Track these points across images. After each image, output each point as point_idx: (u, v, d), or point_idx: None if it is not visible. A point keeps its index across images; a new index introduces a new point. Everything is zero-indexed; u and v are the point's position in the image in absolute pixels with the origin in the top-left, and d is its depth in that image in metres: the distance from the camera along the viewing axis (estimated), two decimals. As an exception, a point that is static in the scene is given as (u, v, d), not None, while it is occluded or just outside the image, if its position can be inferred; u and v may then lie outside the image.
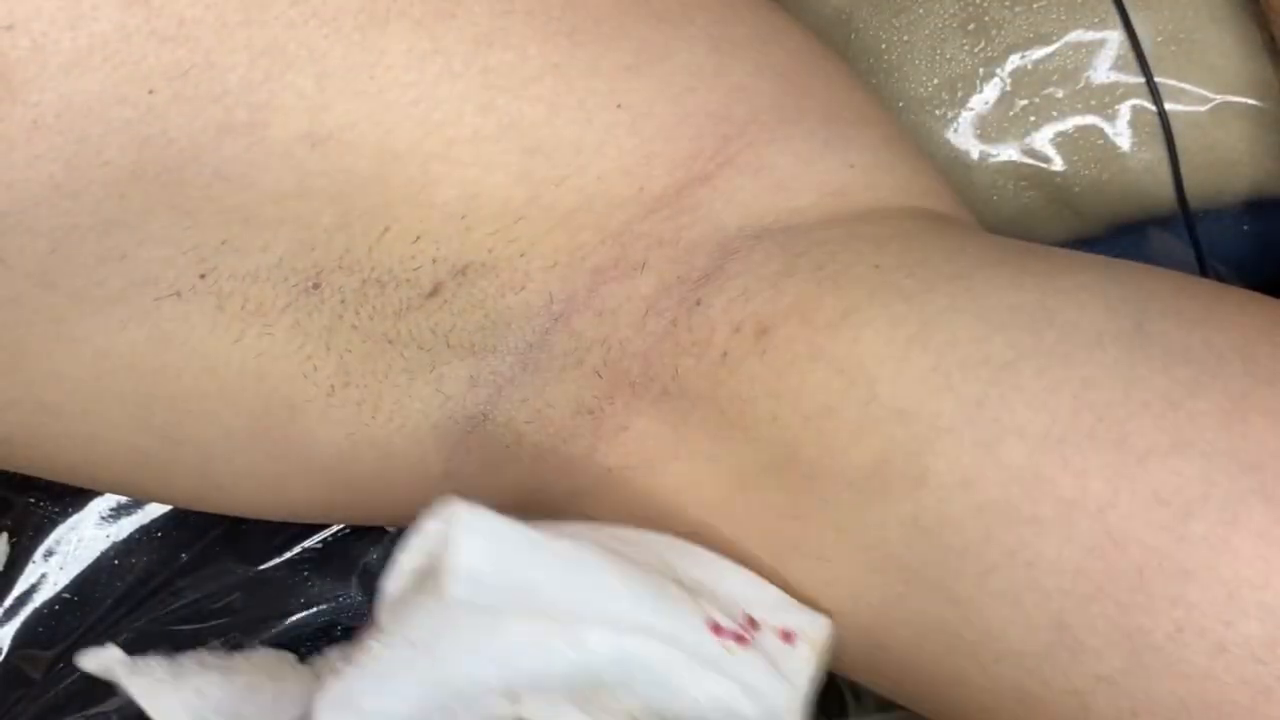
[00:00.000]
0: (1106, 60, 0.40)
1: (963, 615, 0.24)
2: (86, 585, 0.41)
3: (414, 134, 0.26)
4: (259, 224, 0.26)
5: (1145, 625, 0.22)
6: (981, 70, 0.40)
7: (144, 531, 0.42)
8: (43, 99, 0.23)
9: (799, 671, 0.24)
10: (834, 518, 0.25)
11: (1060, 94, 0.40)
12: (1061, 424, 0.23)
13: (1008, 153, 0.41)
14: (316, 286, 0.27)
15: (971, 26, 0.40)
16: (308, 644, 0.42)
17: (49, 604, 0.41)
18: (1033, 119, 0.40)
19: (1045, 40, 0.40)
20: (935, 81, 0.41)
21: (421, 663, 0.22)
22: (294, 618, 0.42)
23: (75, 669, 0.41)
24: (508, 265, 0.27)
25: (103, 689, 0.41)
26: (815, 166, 0.28)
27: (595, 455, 0.28)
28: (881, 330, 0.25)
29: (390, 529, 0.42)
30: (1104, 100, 0.40)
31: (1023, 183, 0.41)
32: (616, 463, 0.28)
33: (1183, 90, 0.40)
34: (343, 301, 0.27)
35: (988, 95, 0.40)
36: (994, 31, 0.40)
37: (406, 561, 0.23)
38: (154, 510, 0.42)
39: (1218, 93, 0.40)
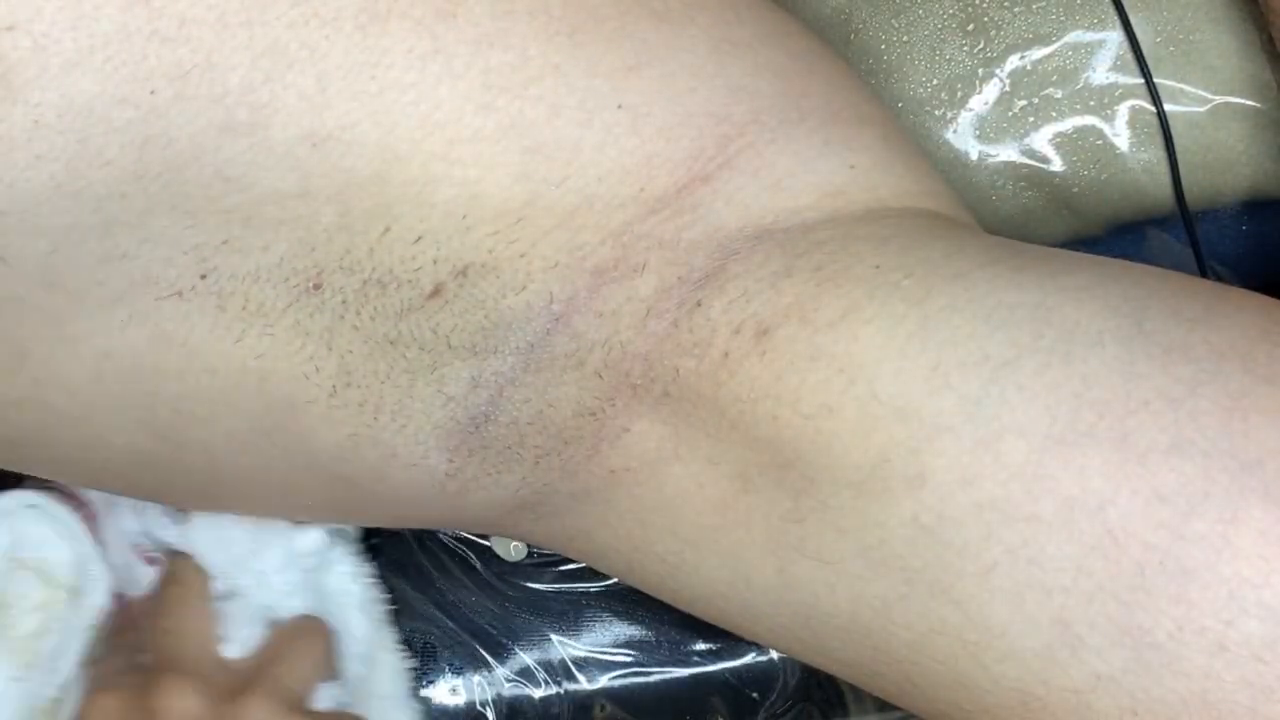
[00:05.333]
0: (1105, 61, 0.40)
1: (965, 615, 0.24)
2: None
3: (415, 134, 0.26)
4: (260, 224, 0.26)
5: (1146, 623, 0.22)
6: (981, 71, 0.40)
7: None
8: (44, 99, 0.24)
9: None
10: (835, 519, 0.25)
11: (1059, 94, 0.40)
12: (1061, 421, 0.23)
13: (1007, 153, 0.41)
14: (318, 287, 0.27)
15: (971, 27, 0.40)
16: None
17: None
18: (1032, 119, 0.40)
19: (1044, 41, 0.40)
20: (935, 82, 0.41)
21: None
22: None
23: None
24: (508, 266, 0.27)
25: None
26: (815, 167, 0.28)
27: (597, 456, 0.28)
28: (881, 329, 0.25)
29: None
30: (1103, 101, 0.40)
31: (1022, 183, 0.41)
32: (618, 464, 0.28)
33: (1181, 91, 0.40)
34: (344, 302, 0.27)
35: (987, 96, 0.40)
36: (993, 32, 0.40)
37: None
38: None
39: (1216, 94, 0.40)
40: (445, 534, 0.43)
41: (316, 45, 0.25)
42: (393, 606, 0.41)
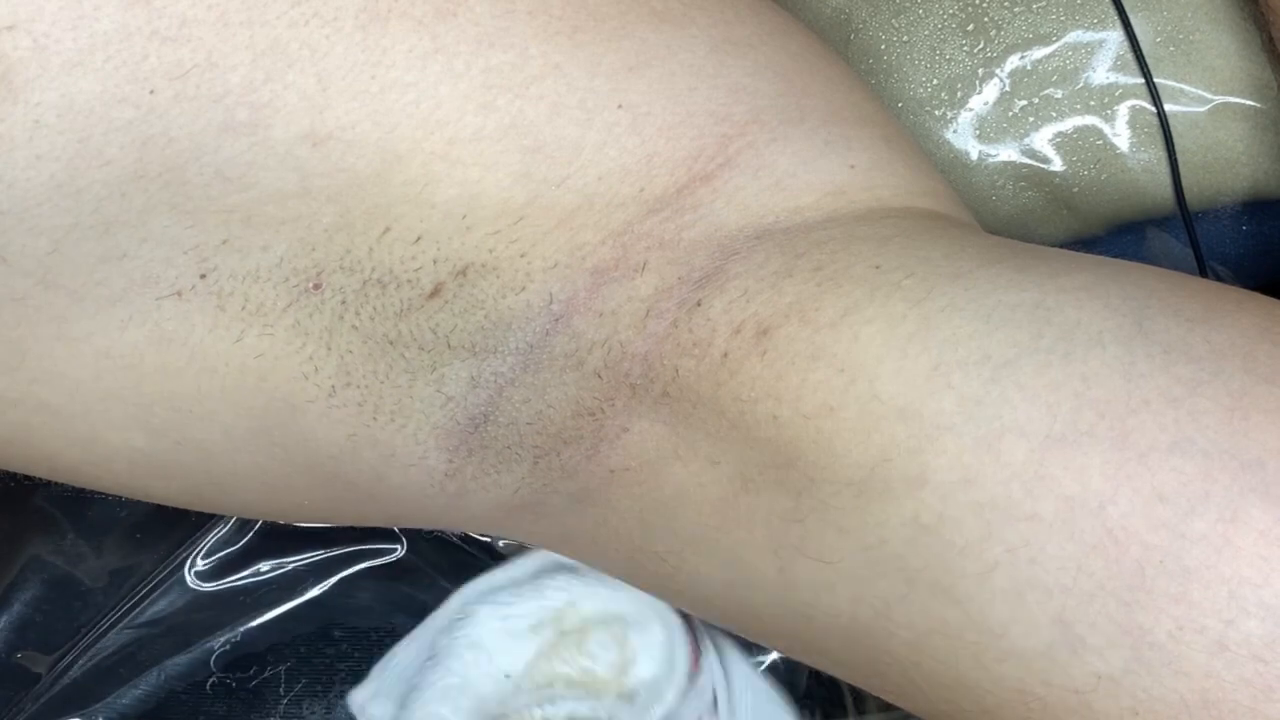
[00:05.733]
0: (1105, 61, 0.40)
1: (965, 614, 0.24)
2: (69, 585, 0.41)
3: (415, 134, 0.26)
4: (260, 224, 0.26)
5: (1146, 623, 0.22)
6: (981, 71, 0.40)
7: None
8: (44, 99, 0.24)
9: None
10: (836, 519, 0.25)
11: (1059, 94, 0.40)
12: (1062, 421, 0.23)
13: (1007, 153, 0.41)
14: (317, 287, 0.27)
15: (971, 27, 0.40)
16: (306, 645, 0.42)
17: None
18: (1032, 119, 0.40)
19: (1044, 41, 0.40)
20: (935, 82, 0.41)
21: None
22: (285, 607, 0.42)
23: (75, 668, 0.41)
24: (508, 265, 0.27)
25: (100, 688, 0.41)
26: (815, 166, 0.28)
27: (597, 457, 0.28)
28: (882, 329, 0.25)
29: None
30: (1103, 101, 0.40)
31: (1022, 183, 0.41)
32: (618, 464, 0.28)
33: (1181, 91, 0.40)
34: (343, 302, 0.27)
35: (987, 96, 0.40)
36: (993, 32, 0.40)
37: None
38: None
39: (1216, 93, 0.40)
40: (452, 534, 0.43)
41: (317, 45, 0.25)
42: (399, 605, 0.41)
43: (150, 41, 0.24)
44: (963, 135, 0.41)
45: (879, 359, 0.25)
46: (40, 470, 0.31)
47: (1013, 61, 0.40)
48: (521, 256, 0.27)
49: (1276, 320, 0.25)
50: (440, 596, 0.42)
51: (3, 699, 0.41)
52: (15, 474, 0.40)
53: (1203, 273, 0.41)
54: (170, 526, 0.42)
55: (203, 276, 0.26)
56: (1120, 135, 0.40)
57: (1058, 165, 0.40)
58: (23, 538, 0.42)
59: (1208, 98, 0.40)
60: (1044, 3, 0.40)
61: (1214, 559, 0.22)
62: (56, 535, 0.42)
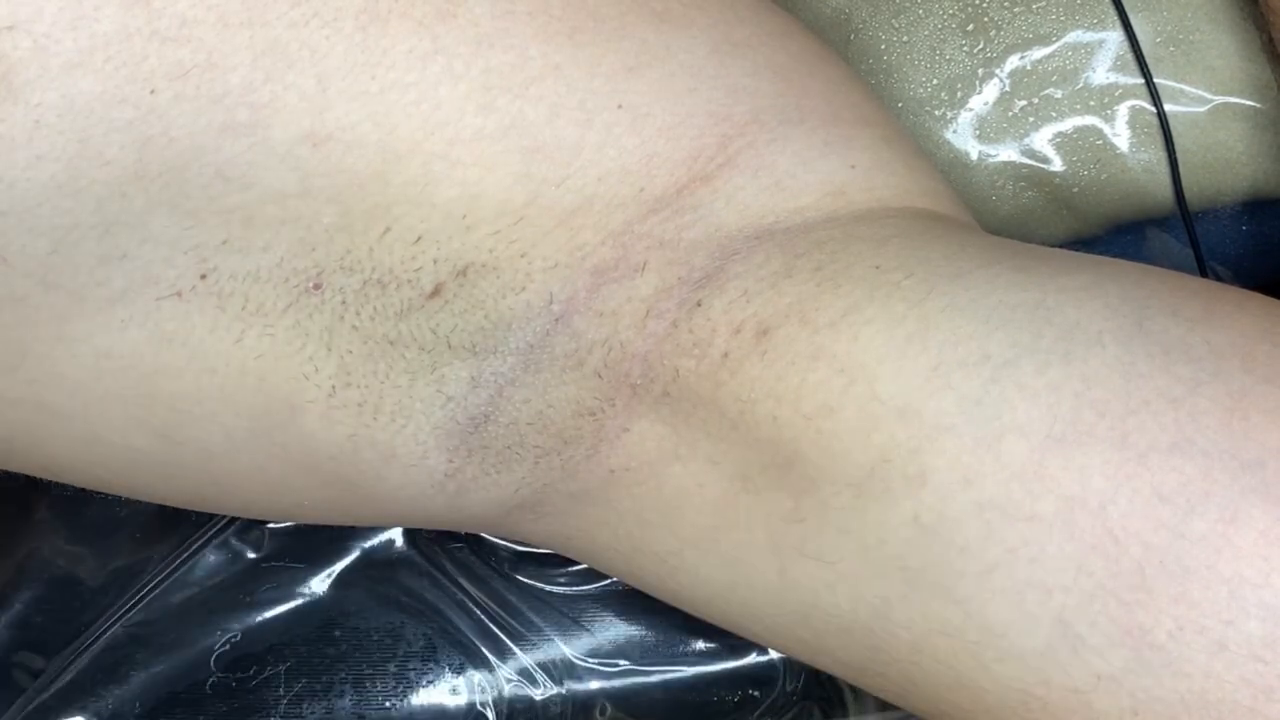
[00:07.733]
0: (1105, 61, 0.40)
1: (965, 614, 0.24)
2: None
3: (415, 134, 0.26)
4: (260, 224, 0.26)
5: (1146, 623, 0.22)
6: (981, 71, 0.40)
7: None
8: (44, 99, 0.24)
9: None
10: (835, 519, 0.25)
11: (1059, 94, 0.40)
12: (1062, 421, 0.23)
13: (1007, 153, 0.41)
14: (317, 287, 0.27)
15: (971, 27, 0.40)
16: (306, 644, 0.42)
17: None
18: (1032, 119, 0.40)
19: (1044, 41, 0.40)
20: (935, 82, 0.41)
21: None
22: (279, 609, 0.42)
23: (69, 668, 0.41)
24: (508, 266, 0.27)
25: (100, 687, 0.41)
26: (815, 166, 0.28)
27: (597, 457, 0.28)
28: (881, 329, 0.25)
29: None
30: (1103, 101, 0.40)
31: (1022, 183, 0.41)
32: (618, 464, 0.28)
33: (1181, 91, 0.40)
34: (344, 302, 0.27)
35: (987, 96, 0.40)
36: (993, 32, 0.40)
37: None
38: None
39: (1216, 94, 0.40)
40: (451, 532, 0.43)
41: (317, 45, 0.25)
42: (398, 604, 0.41)
43: (150, 42, 0.24)
44: (963, 135, 0.41)
45: (879, 359, 0.25)
46: (40, 470, 0.31)
47: (1013, 61, 0.40)
48: (521, 256, 0.27)
49: (1276, 320, 0.25)
50: (442, 595, 0.42)
51: (3, 699, 0.41)
52: (15, 474, 0.40)
53: (1203, 273, 0.41)
54: (170, 526, 0.42)
55: (203, 277, 0.26)
56: (1120, 135, 0.40)
57: (1058, 165, 0.40)
58: (23, 538, 0.42)
59: (1208, 98, 0.40)
60: (1044, 3, 0.40)
61: (1214, 559, 0.22)
62: (56, 535, 0.42)
